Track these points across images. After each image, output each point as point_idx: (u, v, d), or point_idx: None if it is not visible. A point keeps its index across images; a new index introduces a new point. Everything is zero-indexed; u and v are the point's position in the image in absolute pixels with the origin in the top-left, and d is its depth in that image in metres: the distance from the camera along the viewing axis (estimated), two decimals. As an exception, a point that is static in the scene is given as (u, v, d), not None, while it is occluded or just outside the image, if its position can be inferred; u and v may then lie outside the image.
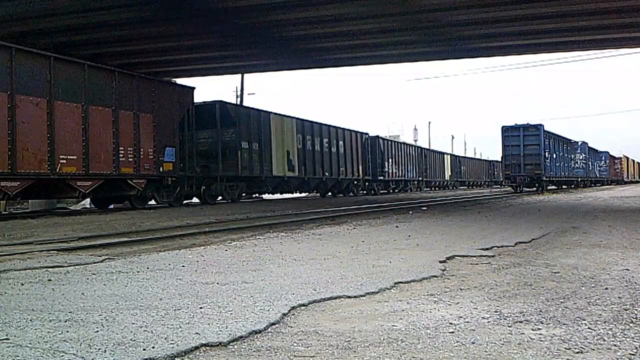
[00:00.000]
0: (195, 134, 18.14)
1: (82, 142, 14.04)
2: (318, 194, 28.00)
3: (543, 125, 34.14)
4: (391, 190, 34.86)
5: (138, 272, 5.25)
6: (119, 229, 9.82)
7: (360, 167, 29.95)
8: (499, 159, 39.46)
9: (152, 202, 17.35)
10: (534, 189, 33.88)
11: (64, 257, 6.31)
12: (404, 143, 40.06)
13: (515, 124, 34.40)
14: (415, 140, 58.37)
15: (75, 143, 13.87)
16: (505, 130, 33.98)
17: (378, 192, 32.59)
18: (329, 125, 27.26)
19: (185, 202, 18.40)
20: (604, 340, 2.94)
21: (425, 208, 16.49)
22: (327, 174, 26.15)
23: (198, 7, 16.29)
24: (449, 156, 49.73)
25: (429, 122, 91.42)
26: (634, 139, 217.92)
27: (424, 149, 44.37)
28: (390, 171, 34.18)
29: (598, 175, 52.81)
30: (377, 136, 33.97)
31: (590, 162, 47.71)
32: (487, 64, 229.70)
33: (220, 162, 19.25)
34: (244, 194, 21.55)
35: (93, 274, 5.19)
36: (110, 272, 5.28)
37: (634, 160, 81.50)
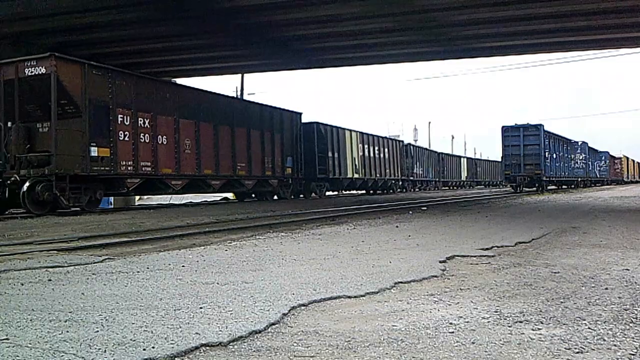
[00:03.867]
0: (301, 146, 24.47)
1: (246, 154, 20.64)
2: (364, 191, 32.83)
3: (543, 125, 34.13)
4: (417, 189, 39.99)
5: (138, 272, 5.25)
6: (119, 229, 9.81)
7: (399, 170, 36.02)
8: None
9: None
10: (534, 189, 33.86)
11: (64, 257, 6.31)
12: (426, 149, 45.57)
13: (515, 124, 34.38)
14: (415, 140, 58.66)
15: (243, 155, 20.44)
16: (505, 130, 33.96)
17: (408, 190, 37.93)
18: (378, 136, 33.88)
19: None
20: (604, 340, 2.94)
21: (425, 208, 16.48)
22: (378, 175, 32.39)
23: (198, 7, 16.29)
24: (465, 159, 55.93)
25: (429, 122, 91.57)
26: (634, 139, 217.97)
27: (442, 153, 49.11)
28: (417, 172, 39.77)
29: (598, 175, 52.79)
30: (409, 143, 40.91)
31: (590, 162, 47.69)
32: (487, 64, 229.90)
33: (316, 168, 25.58)
34: (327, 192, 27.78)
35: (93, 274, 5.18)
36: (110, 272, 5.28)
37: (634, 160, 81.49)
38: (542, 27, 18.41)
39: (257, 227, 10.19)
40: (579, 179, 43.90)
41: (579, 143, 44.71)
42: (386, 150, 33.78)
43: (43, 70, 13.69)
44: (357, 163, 29.61)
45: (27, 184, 13.29)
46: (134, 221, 11.42)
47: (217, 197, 24.25)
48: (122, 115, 15.27)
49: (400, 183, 36.43)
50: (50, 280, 4.87)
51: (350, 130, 29.54)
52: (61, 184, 13.63)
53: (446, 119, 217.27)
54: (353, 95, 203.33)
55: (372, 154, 31.59)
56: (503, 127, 34.15)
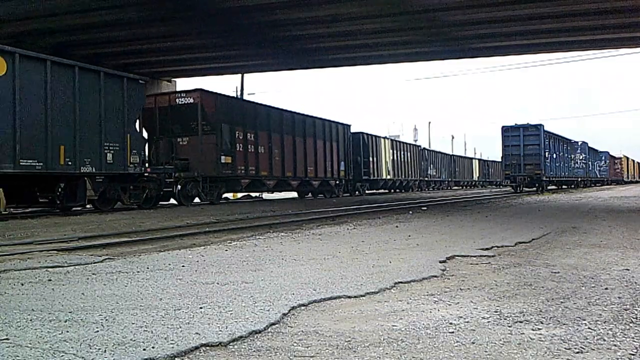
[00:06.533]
0: (350, 152, 29.50)
1: (314, 160, 25.35)
2: (387, 190, 36.32)
3: (543, 125, 34.11)
4: (431, 189, 43.52)
5: (138, 272, 5.25)
6: (119, 229, 9.81)
7: (418, 172, 40.55)
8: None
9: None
10: (534, 189, 33.84)
11: (64, 257, 6.31)
12: (440, 152, 48.89)
13: (515, 124, 34.34)
14: (415, 140, 58.79)
15: (312, 161, 25.18)
16: (505, 130, 33.94)
17: (423, 189, 41.55)
18: (403, 142, 40.11)
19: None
20: (604, 340, 2.94)
21: (425, 208, 16.48)
22: (402, 176, 37.21)
23: (198, 7, 16.29)
24: (477, 160, 61.12)
25: (429, 122, 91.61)
26: (634, 139, 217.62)
27: (454, 155, 53.98)
28: (431, 174, 43.83)
29: (598, 175, 52.76)
30: (425, 148, 45.45)
31: (590, 162, 47.66)
32: (487, 64, 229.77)
33: (361, 170, 30.87)
34: (366, 190, 32.48)
35: (93, 274, 5.18)
36: (110, 272, 5.28)
37: (634, 160, 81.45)
38: (542, 27, 18.41)
39: (257, 227, 10.19)
40: (579, 179, 43.88)
41: (579, 143, 44.69)
42: (408, 154, 38.65)
43: (191, 100, 18.70)
44: (389, 166, 34.85)
45: (180, 183, 17.68)
46: (134, 221, 11.42)
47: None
48: (237, 132, 20.14)
49: (417, 183, 40.71)
50: (50, 280, 4.87)
51: (384, 138, 35.54)
52: (202, 183, 18.47)
53: (446, 119, 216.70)
54: (353, 95, 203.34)
55: (399, 158, 36.78)
56: (503, 127, 34.13)
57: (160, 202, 17.65)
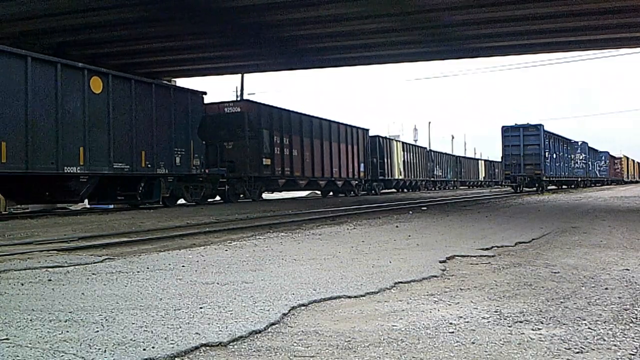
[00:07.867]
0: (368, 155, 31.97)
1: (338, 162, 27.73)
2: (395, 190, 38.03)
3: (543, 125, 34.09)
4: (437, 188, 45.30)
5: (138, 272, 5.25)
6: (119, 229, 9.80)
7: (425, 172, 43.04)
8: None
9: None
10: (534, 189, 33.82)
11: (64, 257, 6.30)
12: (445, 153, 51.10)
13: (515, 124, 34.32)
14: (415, 140, 58.79)
15: (337, 163, 27.48)
16: (505, 130, 33.92)
17: (429, 189, 43.51)
18: (411, 144, 43.09)
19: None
20: (604, 340, 2.94)
21: (425, 208, 16.48)
22: (412, 176, 39.89)
23: (198, 7, 16.29)
24: (482, 161, 63.71)
25: (429, 122, 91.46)
26: (634, 139, 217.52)
27: (460, 156, 56.70)
28: (437, 174, 46.21)
29: (598, 175, 52.74)
30: (431, 149, 47.99)
31: (590, 162, 47.64)
32: (487, 64, 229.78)
33: (377, 171, 33.26)
34: (381, 189, 34.73)
35: (93, 274, 5.18)
36: (110, 272, 5.28)
37: (634, 160, 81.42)
38: (542, 27, 18.40)
39: (257, 227, 10.19)
40: (579, 179, 43.86)
41: (579, 143, 44.67)
42: (417, 156, 41.33)
43: (238, 110, 21.17)
44: (401, 167, 37.38)
45: (228, 183, 19.67)
46: (133, 221, 11.41)
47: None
48: (276, 137, 22.37)
49: (424, 183, 43.07)
50: (50, 280, 4.86)
51: (397, 141, 38.82)
52: (247, 183, 20.68)
53: (446, 119, 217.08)
54: (353, 95, 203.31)
55: (407, 159, 39.12)
56: (503, 127, 34.11)
57: (209, 199, 19.59)
